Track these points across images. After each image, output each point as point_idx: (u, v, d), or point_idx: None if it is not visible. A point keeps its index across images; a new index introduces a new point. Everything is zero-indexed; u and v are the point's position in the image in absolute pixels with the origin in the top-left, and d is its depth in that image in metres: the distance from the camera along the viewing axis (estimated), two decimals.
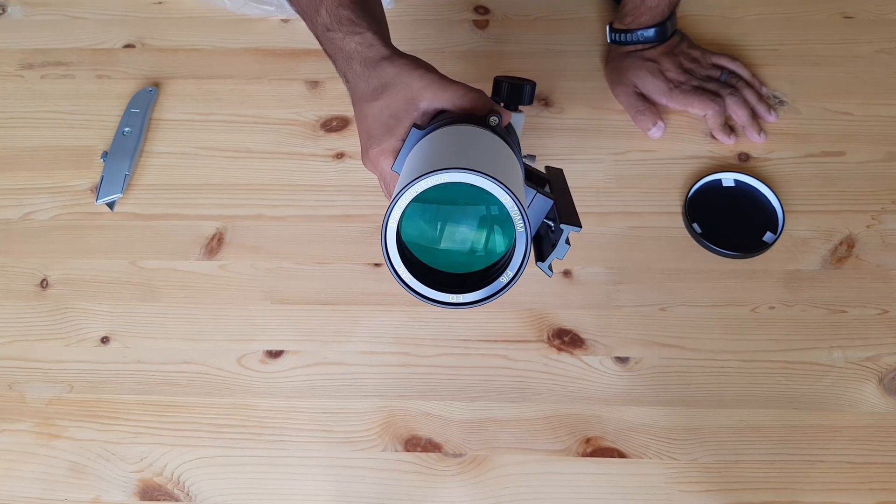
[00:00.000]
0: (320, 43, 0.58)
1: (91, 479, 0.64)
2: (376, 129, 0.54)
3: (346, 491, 0.63)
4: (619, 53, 0.81)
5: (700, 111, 0.78)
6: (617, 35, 0.80)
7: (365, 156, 0.55)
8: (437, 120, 0.52)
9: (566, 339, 0.68)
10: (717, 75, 0.80)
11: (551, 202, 0.49)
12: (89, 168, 0.78)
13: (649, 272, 0.71)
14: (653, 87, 0.78)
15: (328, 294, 0.71)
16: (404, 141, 0.52)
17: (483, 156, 0.46)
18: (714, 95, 0.78)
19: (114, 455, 0.65)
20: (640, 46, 0.79)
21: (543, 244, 0.52)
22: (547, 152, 0.78)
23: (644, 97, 0.79)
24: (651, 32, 0.78)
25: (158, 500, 0.63)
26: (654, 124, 0.77)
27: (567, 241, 0.48)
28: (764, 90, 0.80)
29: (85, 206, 0.77)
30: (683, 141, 0.78)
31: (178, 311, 0.71)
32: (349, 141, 0.79)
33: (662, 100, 0.78)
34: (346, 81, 0.56)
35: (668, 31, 0.79)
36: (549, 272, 0.51)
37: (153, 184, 0.78)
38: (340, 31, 0.55)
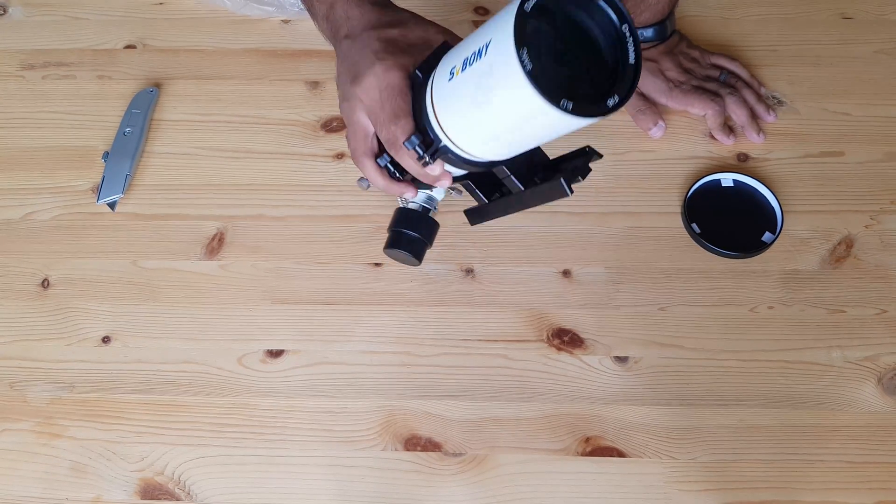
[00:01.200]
0: None
1: (92, 478, 0.65)
2: (390, 48, 0.53)
3: (347, 490, 0.64)
4: None
5: (700, 111, 0.78)
6: None
7: (368, 72, 0.53)
8: None
9: (566, 339, 0.69)
10: (716, 75, 0.80)
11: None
12: (90, 168, 0.79)
13: (648, 272, 0.71)
14: (653, 86, 0.78)
15: (329, 294, 0.71)
16: (414, 67, 0.52)
17: None
18: (714, 95, 0.78)
19: (115, 454, 0.65)
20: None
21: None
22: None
23: (644, 97, 0.79)
24: (651, 31, 0.78)
25: (159, 499, 0.63)
26: (655, 124, 0.77)
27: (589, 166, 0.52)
28: (763, 90, 0.80)
29: (86, 206, 0.77)
30: (682, 141, 0.78)
31: (179, 310, 0.71)
32: None
33: (662, 99, 0.78)
34: (347, 19, 0.56)
35: (668, 29, 0.79)
36: (570, 191, 0.52)
37: (154, 184, 0.78)
38: None
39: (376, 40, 0.54)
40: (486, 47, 0.42)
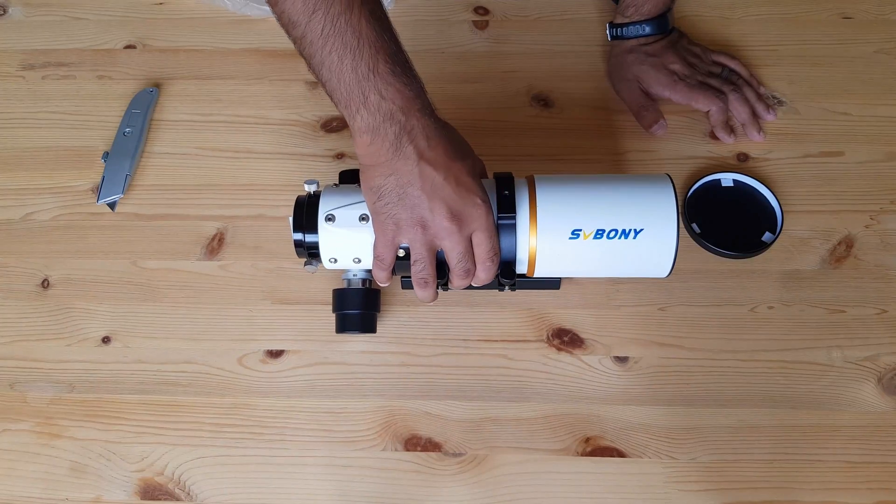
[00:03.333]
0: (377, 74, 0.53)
1: (92, 478, 0.65)
2: (475, 188, 0.57)
3: (347, 490, 0.64)
4: (622, 49, 0.80)
5: (704, 106, 0.77)
6: (618, 30, 0.80)
7: (473, 213, 0.56)
8: None
9: (566, 339, 0.69)
10: (718, 72, 0.80)
11: None
12: (90, 168, 0.79)
13: None
14: (656, 79, 0.78)
15: (328, 294, 0.71)
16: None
17: None
18: (718, 92, 0.78)
19: (115, 454, 0.65)
20: (642, 40, 0.79)
21: None
22: (547, 152, 0.78)
23: (647, 93, 0.79)
24: (653, 24, 0.78)
25: (159, 499, 0.64)
26: (657, 121, 0.77)
27: None
28: (762, 90, 0.80)
29: (86, 206, 0.77)
30: (682, 141, 0.78)
31: (179, 311, 0.71)
32: (349, 141, 0.79)
33: (666, 92, 0.78)
34: (414, 134, 0.54)
35: (669, 23, 0.79)
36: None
37: (154, 184, 0.78)
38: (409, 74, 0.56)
39: (468, 176, 0.57)
40: (637, 233, 0.58)
